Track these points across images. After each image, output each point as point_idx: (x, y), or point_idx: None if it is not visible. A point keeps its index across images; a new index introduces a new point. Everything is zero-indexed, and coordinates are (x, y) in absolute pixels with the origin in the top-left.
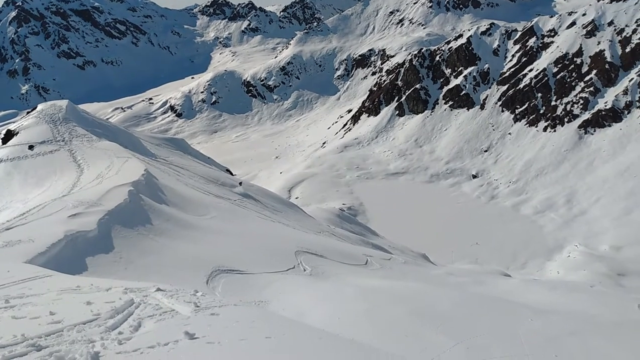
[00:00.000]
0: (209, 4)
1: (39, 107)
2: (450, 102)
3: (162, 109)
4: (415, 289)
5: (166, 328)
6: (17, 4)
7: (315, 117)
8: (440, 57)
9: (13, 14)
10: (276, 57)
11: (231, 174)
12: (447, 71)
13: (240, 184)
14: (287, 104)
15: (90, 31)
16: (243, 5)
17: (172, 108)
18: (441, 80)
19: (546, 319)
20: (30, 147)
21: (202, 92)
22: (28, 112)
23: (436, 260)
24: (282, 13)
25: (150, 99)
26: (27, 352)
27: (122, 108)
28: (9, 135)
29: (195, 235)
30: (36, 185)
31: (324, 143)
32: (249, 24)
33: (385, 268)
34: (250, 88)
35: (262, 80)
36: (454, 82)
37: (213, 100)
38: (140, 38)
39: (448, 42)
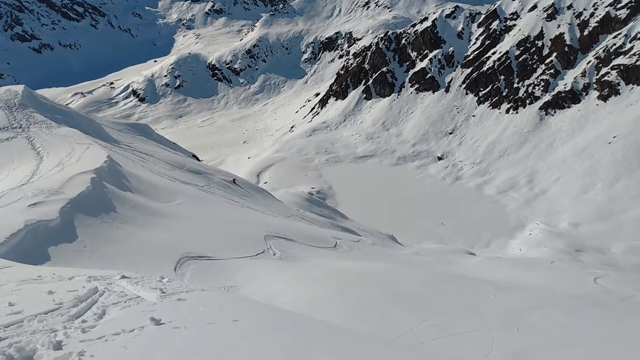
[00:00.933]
0: None
1: None
2: (416, 85)
3: (124, 94)
4: (384, 269)
5: (131, 315)
6: None
7: (283, 101)
8: (406, 40)
9: None
10: (241, 39)
11: (197, 159)
12: (413, 54)
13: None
14: (253, 88)
15: (46, 13)
16: None
17: (134, 92)
18: (407, 63)
19: (508, 295)
20: None
21: (165, 76)
22: None
23: (403, 241)
24: None
25: (112, 83)
26: None
27: (82, 93)
28: None
29: (162, 222)
30: None
31: (292, 127)
32: (213, 5)
33: (354, 250)
34: (216, 71)
35: (228, 64)
36: (420, 65)
37: (177, 84)
38: (99, 20)
39: (414, 25)
